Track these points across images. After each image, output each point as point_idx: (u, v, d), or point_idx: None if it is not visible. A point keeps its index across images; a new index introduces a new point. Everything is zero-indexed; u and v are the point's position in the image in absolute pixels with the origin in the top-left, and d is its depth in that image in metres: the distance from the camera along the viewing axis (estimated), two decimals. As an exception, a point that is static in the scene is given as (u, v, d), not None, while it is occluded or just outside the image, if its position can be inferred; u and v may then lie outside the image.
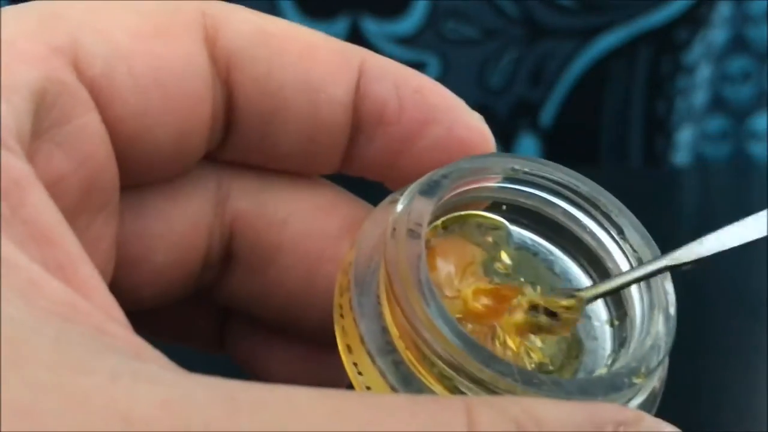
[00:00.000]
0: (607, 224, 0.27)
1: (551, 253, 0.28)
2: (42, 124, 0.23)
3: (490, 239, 0.27)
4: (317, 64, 0.27)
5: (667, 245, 0.26)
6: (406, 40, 0.62)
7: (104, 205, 0.26)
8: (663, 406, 0.25)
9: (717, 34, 0.65)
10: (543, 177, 0.27)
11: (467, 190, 0.26)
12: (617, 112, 0.66)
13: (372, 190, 0.29)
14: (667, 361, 0.25)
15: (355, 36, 0.61)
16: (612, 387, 0.23)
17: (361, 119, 0.28)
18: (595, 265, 0.27)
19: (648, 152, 0.67)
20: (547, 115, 0.65)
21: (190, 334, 0.32)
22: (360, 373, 0.24)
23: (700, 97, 0.66)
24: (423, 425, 0.19)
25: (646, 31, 0.64)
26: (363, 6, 0.61)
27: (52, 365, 0.18)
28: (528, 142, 0.66)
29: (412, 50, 0.63)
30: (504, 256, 0.27)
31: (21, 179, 0.21)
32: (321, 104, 0.27)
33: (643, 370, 0.23)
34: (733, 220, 0.26)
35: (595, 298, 0.26)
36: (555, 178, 0.27)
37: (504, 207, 0.27)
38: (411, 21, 0.62)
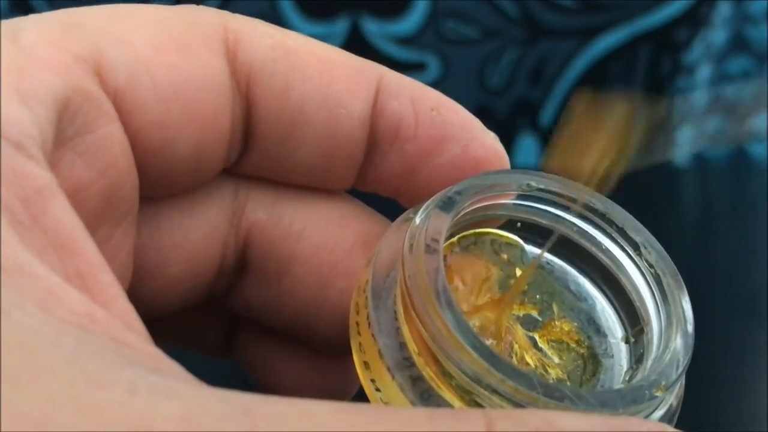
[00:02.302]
0: (622, 241, 0.27)
1: (566, 271, 0.28)
2: (65, 132, 0.23)
3: (505, 257, 0.27)
4: (336, 79, 0.27)
5: (667, 245, 0.26)
6: (406, 40, 0.62)
7: (124, 216, 0.25)
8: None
9: (717, 34, 0.65)
10: (557, 194, 0.27)
11: (483, 206, 0.26)
12: (617, 112, 0.66)
13: (385, 207, 0.29)
14: (684, 379, 0.25)
15: (355, 36, 0.61)
16: (633, 400, 0.23)
17: (377, 135, 0.28)
18: (611, 282, 0.27)
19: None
20: (547, 115, 0.65)
21: (198, 339, 0.32)
22: (378, 389, 0.24)
23: (700, 97, 0.66)
24: None
25: (646, 31, 0.64)
26: (363, 6, 0.61)
27: (69, 378, 0.18)
28: (528, 142, 0.66)
29: (412, 50, 0.63)
30: (519, 274, 0.27)
31: (43, 188, 0.21)
32: (339, 119, 0.27)
33: (663, 383, 0.23)
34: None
35: None
36: (569, 195, 0.27)
37: (519, 225, 0.27)
38: (411, 21, 0.62)
